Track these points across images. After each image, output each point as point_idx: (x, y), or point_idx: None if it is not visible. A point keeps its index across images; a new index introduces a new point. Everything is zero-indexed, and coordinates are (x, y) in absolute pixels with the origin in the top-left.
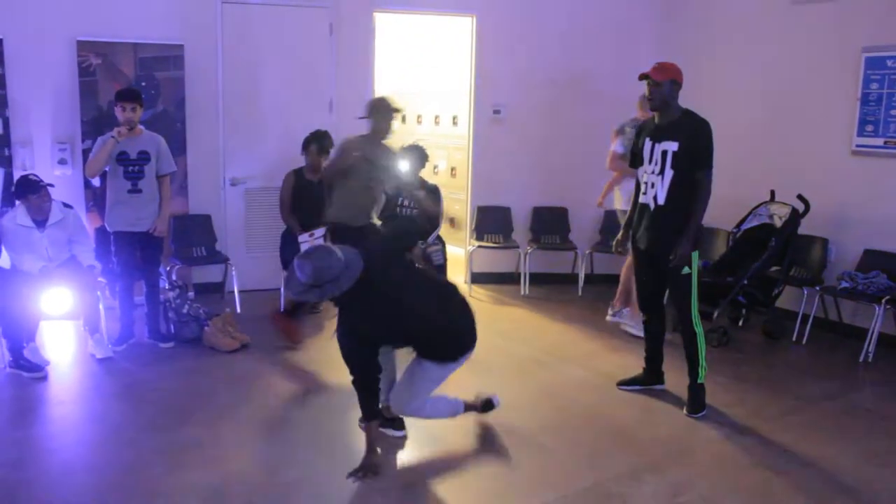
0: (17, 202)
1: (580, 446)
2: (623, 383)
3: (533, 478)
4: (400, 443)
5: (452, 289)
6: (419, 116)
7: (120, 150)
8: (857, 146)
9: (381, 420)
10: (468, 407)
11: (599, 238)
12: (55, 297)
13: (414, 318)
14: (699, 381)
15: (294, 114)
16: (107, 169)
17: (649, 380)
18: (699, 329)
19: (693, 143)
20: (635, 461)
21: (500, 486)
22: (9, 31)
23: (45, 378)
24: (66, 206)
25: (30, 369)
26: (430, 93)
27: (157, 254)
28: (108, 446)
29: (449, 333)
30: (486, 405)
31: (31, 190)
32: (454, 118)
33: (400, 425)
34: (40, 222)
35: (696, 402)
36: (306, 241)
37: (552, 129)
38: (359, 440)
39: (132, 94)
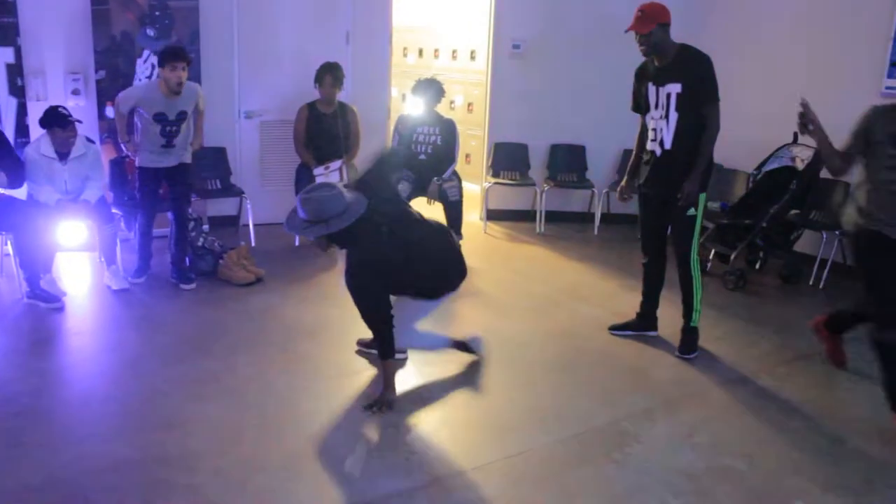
0: (44, 132)
1: (594, 385)
2: (615, 328)
3: (547, 415)
4: (409, 378)
5: (444, 230)
6: (436, 50)
7: (158, 111)
8: (887, 88)
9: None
10: (456, 344)
11: (617, 177)
12: (71, 229)
13: (411, 257)
14: (692, 325)
15: (310, 46)
16: (141, 112)
17: (642, 325)
18: (696, 273)
19: (695, 80)
20: (649, 401)
21: (514, 423)
22: None
23: (61, 309)
24: (90, 140)
25: (46, 300)
26: (448, 27)
27: (187, 190)
28: (125, 377)
29: (439, 273)
30: (466, 346)
31: (59, 124)
32: (472, 53)
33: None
34: (63, 154)
35: (688, 344)
36: (321, 173)
37: (572, 66)
38: (370, 374)
39: (183, 53)
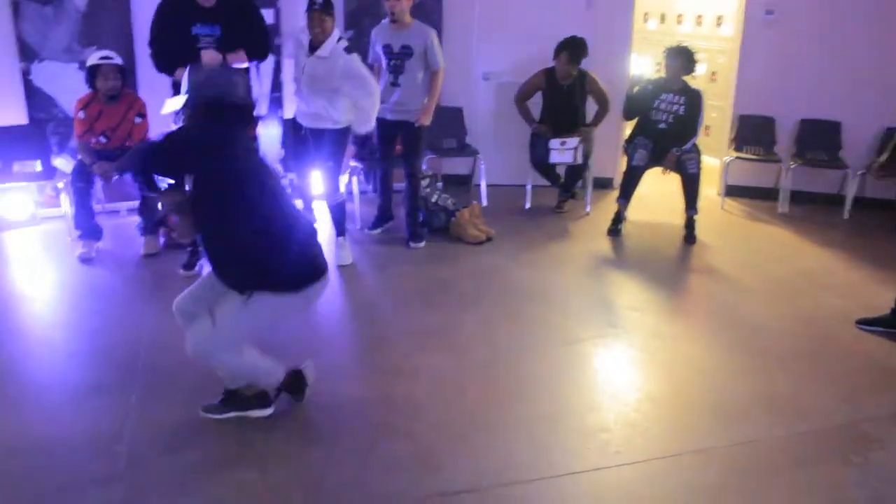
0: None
1: (835, 380)
2: (864, 322)
3: (780, 406)
4: (632, 353)
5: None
6: (679, 16)
7: (385, 43)
8: None
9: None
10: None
11: (875, 158)
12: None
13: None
14: None
15: (549, 10)
16: (377, 51)
17: None
18: None
19: None
20: None
21: (742, 410)
22: None
23: None
24: (347, 51)
25: None
26: None
27: (416, 146)
28: (360, 322)
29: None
30: (295, 382)
31: (307, 6)
32: (718, 18)
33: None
34: (313, 47)
35: None
36: (556, 147)
37: (831, 33)
38: (595, 342)
39: None
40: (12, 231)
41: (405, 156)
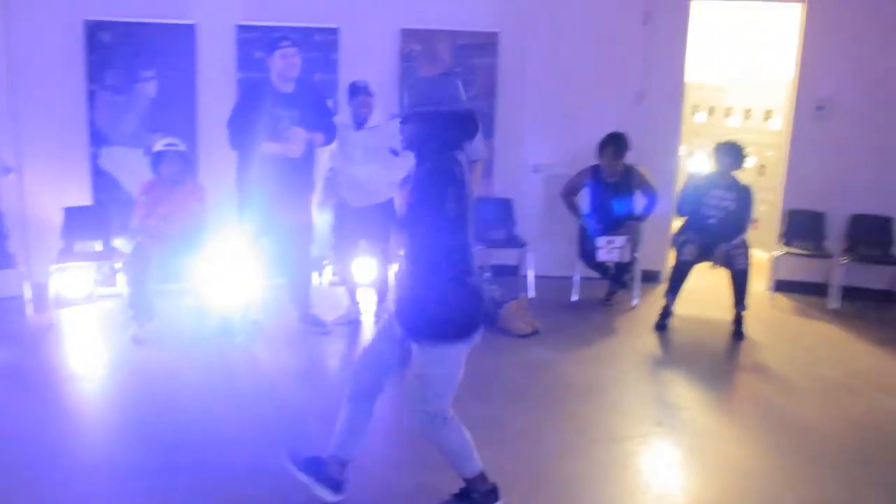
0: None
1: (894, 489)
2: None
3: None
4: (669, 449)
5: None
6: (728, 109)
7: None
8: None
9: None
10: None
11: None
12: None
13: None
14: None
15: (601, 103)
16: None
17: None
18: None
19: None
20: None
21: None
22: (344, 22)
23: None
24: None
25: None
26: (742, 85)
27: None
28: (400, 410)
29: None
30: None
31: (353, 93)
32: (767, 112)
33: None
34: (358, 123)
35: None
36: (603, 246)
37: (884, 128)
38: (640, 440)
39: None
40: (70, 308)
41: None
